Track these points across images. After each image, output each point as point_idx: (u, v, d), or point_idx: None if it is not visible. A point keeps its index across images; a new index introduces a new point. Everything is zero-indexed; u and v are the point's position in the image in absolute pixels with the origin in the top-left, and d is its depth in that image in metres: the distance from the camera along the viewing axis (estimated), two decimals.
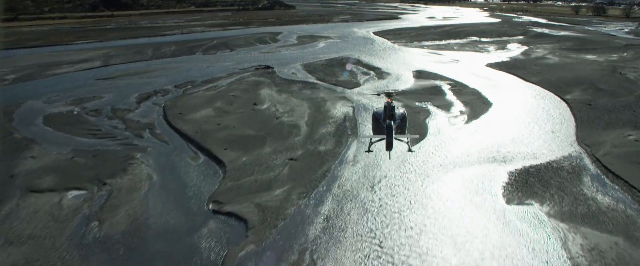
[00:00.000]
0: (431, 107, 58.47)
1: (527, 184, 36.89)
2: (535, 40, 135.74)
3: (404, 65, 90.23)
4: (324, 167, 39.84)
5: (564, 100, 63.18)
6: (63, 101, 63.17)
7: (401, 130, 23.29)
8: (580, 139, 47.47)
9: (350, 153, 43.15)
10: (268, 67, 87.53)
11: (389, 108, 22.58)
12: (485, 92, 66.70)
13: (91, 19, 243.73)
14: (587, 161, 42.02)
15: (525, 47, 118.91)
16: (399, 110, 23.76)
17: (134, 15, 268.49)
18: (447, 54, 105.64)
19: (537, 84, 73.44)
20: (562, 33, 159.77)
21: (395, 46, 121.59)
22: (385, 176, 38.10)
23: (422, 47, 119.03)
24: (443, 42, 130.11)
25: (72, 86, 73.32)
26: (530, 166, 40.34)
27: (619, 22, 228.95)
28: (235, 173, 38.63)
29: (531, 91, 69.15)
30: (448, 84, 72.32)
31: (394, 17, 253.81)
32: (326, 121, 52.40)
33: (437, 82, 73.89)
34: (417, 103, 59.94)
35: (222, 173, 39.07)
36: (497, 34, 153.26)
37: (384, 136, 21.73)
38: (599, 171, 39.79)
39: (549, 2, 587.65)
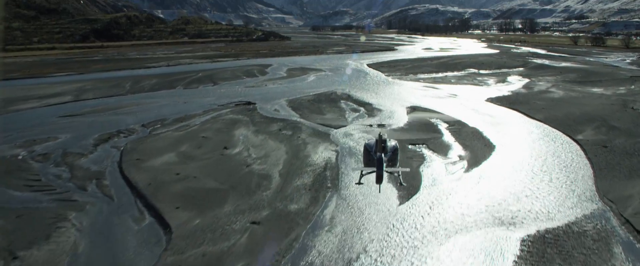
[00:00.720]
0: (426, 152, 51.20)
1: (544, 259, 29.33)
2: (536, 72, 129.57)
3: (397, 100, 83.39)
4: (292, 234, 32.23)
5: (576, 141, 56.00)
6: (12, 143, 55.92)
7: (392, 163, 22.46)
8: (602, 192, 39.99)
9: (327, 214, 35.56)
10: (249, 103, 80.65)
11: (381, 140, 21.78)
12: (486, 132, 59.56)
13: (80, 50, 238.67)
14: (614, 222, 34.51)
15: (526, 80, 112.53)
16: (391, 142, 23.09)
17: (124, 47, 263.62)
18: (444, 88, 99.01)
19: (544, 121, 66.36)
20: (563, 64, 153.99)
21: (390, 79, 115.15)
22: (365, 250, 30.46)
23: (417, 80, 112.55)
24: (440, 74, 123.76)
25: (30, 124, 66.29)
26: (546, 231, 32.76)
27: (619, 53, 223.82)
28: (182, 243, 31.03)
29: (538, 130, 62.01)
30: (445, 122, 65.23)
31: (389, 48, 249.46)
32: (303, 170, 44.98)
33: (433, 120, 66.82)
34: (410, 146, 52.65)
35: (165, 242, 31.49)
36: (496, 65, 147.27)
37: (375, 169, 20.82)
38: (631, 237, 32.26)
39: (547, 33, 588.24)
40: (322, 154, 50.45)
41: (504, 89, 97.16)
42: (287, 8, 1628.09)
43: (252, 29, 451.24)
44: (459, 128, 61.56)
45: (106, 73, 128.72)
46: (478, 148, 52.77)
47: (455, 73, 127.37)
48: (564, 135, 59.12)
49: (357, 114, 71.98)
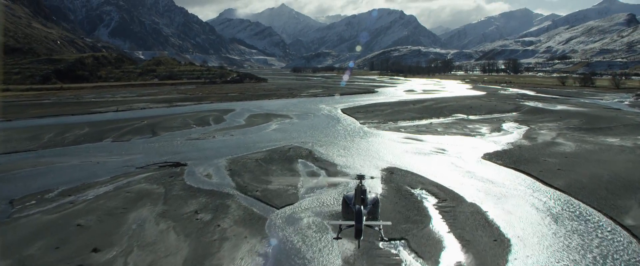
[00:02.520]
0: (405, 256, 32.95)
1: None
2: (533, 117, 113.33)
3: (371, 159, 65.54)
4: None
5: (624, 227, 38.33)
6: None
7: (373, 216, 20.87)
8: None
9: None
10: (178, 164, 62.07)
11: (360, 191, 20.58)
12: (492, 214, 41.52)
13: (36, 92, 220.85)
14: None
15: (524, 127, 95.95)
16: (371, 195, 21.85)
17: (86, 88, 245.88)
18: (430, 140, 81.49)
19: (566, 191, 48.64)
20: (559, 107, 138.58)
21: (365, 127, 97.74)
22: None
23: (398, 129, 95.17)
24: (424, 122, 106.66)
25: None
26: None
27: (612, 94, 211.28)
28: None
29: (562, 207, 44.08)
30: (433, 195, 47.14)
31: (369, 90, 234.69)
32: None
33: (417, 191, 48.70)
34: (381, 244, 34.33)
35: None
36: (486, 109, 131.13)
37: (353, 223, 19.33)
38: None
39: (531, 73, 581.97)
40: (245, 261, 32.01)
41: (501, 141, 79.91)
42: (269, 50, 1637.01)
43: (227, 70, 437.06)
44: (453, 207, 43.38)
45: (38, 120, 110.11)
46: (484, 246, 34.53)
47: (442, 120, 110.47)
48: (602, 215, 41.33)
49: (315, 180, 53.68)
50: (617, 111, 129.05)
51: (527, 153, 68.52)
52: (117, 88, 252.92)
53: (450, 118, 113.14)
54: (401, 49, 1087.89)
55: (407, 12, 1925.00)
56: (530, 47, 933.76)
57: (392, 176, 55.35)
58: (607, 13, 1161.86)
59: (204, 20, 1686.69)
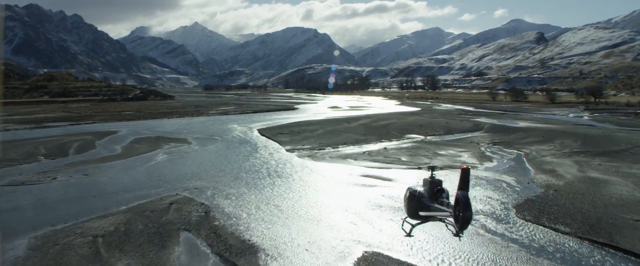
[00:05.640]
0: None
1: None
2: (508, 137, 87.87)
3: (309, 230, 34.44)
4: None
5: None
6: None
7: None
8: None
9: None
10: None
11: (435, 182, 16.63)
12: None
13: None
14: None
15: (515, 152, 69.58)
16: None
17: None
18: (402, 179, 51.38)
19: None
20: (523, 124, 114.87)
21: (295, 157, 66.80)
22: None
23: (343, 159, 64.76)
24: (374, 146, 77.27)
25: None
26: None
27: (555, 108, 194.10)
28: None
29: None
30: None
31: (288, 107, 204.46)
32: None
33: None
34: None
35: None
36: (441, 128, 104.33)
37: (424, 219, 16.81)
38: None
39: (450, 90, 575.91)
40: None
41: (509, 178, 51.19)
42: (182, 68, 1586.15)
43: (128, 87, 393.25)
44: None
45: None
46: None
47: (396, 143, 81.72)
48: None
49: None
50: (596, 128, 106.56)
51: (584, 205, 39.99)
52: None
53: (406, 140, 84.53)
54: (316, 66, 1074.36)
55: (323, 31, 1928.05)
56: (444, 64, 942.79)
57: None
58: (516, 32, 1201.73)
59: (116, 38, 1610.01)
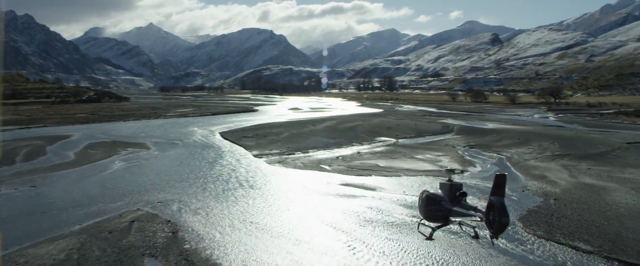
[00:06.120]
0: None
1: None
2: (481, 139, 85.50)
3: (298, 256, 29.28)
4: None
5: None
6: None
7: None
8: None
9: None
10: None
11: (456, 186, 16.37)
12: None
13: None
14: None
15: (495, 156, 66.67)
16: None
17: None
18: (373, 185, 46.93)
19: None
20: (492, 125, 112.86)
21: (264, 163, 61.51)
22: None
23: (316, 165, 59.78)
24: (346, 150, 72.73)
25: None
26: None
27: (519, 109, 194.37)
28: None
29: None
30: None
31: (248, 109, 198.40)
32: None
33: None
34: None
35: None
36: (411, 130, 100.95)
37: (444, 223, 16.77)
38: None
39: (407, 91, 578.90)
40: None
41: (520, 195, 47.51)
42: (137, 70, 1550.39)
43: (82, 88, 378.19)
44: None
45: None
46: None
47: (367, 146, 77.55)
48: None
49: None
50: (567, 130, 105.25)
51: (594, 216, 36.35)
52: None
53: (378, 144, 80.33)
54: (272, 68, 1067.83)
55: (279, 32, 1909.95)
56: (400, 66, 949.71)
57: None
58: (470, 33, 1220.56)
59: (69, 38, 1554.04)
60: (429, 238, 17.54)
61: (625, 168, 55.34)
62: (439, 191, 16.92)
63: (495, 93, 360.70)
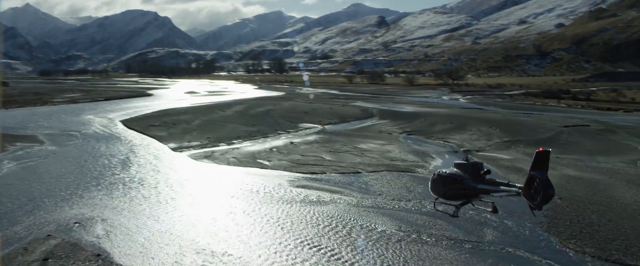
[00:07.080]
0: None
1: None
2: (409, 123, 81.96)
3: None
4: None
5: None
6: None
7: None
8: None
9: None
10: None
11: (477, 165, 15.90)
12: None
13: None
14: None
15: (437, 143, 60.57)
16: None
17: None
18: (334, 187, 39.04)
19: None
20: (410, 109, 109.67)
21: (187, 158, 51.26)
22: None
23: (246, 159, 50.44)
24: (275, 141, 63.95)
25: None
26: None
27: (422, 91, 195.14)
28: None
29: None
30: None
31: (142, 93, 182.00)
32: None
33: None
34: None
35: None
36: (330, 114, 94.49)
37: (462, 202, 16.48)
38: None
39: (297, 73, 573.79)
40: None
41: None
42: (13, 53, 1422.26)
43: None
44: None
45: None
46: None
47: (295, 134, 69.42)
48: None
49: None
50: (495, 113, 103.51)
51: (623, 220, 30.84)
52: None
53: (306, 131, 72.16)
54: (158, 50, 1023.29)
55: (164, 14, 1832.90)
56: (288, 48, 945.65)
57: None
58: (356, 16, 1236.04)
59: None
60: (454, 215, 17.27)
61: (593, 156, 51.75)
62: (455, 170, 16.49)
63: (386, 74, 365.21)
